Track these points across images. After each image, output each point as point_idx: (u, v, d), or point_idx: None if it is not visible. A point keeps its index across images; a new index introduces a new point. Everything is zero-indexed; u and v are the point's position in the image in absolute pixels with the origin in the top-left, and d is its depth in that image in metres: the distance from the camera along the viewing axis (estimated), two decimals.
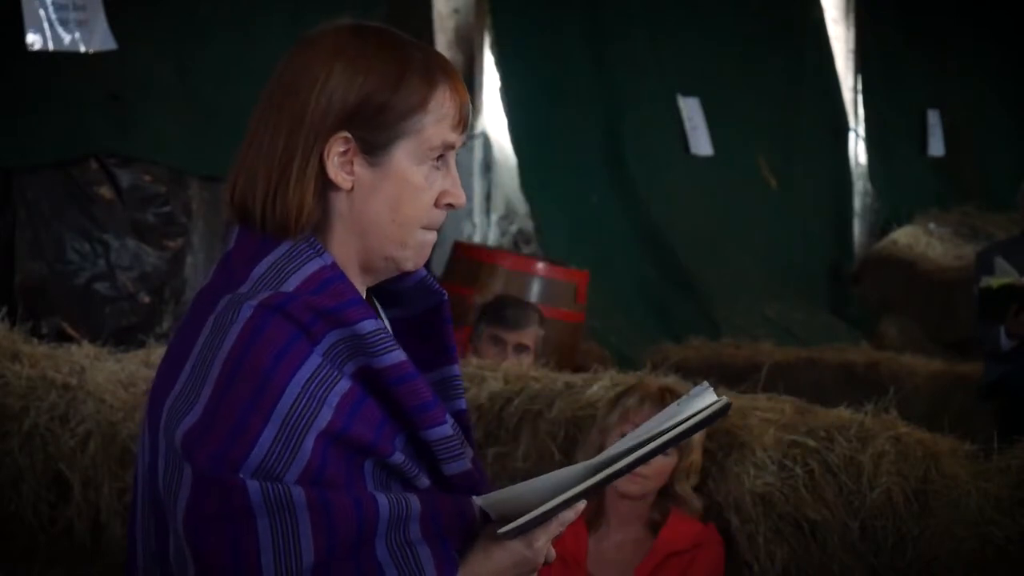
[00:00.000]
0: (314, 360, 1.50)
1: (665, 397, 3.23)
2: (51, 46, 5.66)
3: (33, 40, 5.64)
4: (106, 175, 6.29)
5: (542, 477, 1.59)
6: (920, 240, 10.76)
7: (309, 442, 1.48)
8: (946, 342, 9.23)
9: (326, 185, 1.58)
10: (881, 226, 11.27)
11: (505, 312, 4.75)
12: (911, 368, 7.13)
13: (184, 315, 1.61)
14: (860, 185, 11.45)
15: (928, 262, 10.37)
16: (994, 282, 5.24)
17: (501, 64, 8.63)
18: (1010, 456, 3.29)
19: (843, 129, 11.32)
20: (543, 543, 1.60)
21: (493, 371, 4.05)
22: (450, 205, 1.64)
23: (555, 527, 1.60)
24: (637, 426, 3.17)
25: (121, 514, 4.10)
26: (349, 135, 1.57)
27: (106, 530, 4.12)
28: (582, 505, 1.62)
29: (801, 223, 10.57)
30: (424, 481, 1.58)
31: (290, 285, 1.54)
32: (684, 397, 1.64)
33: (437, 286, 1.71)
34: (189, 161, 6.64)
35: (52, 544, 4.20)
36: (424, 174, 1.61)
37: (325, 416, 1.49)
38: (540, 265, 6.23)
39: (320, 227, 1.60)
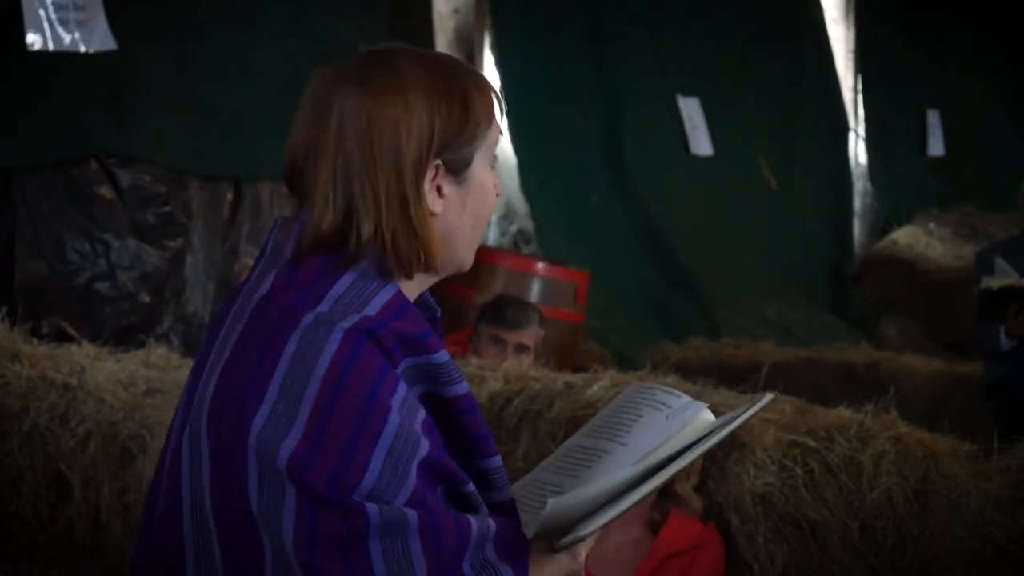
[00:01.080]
0: (402, 386, 1.56)
1: None
2: (51, 46, 5.66)
3: (33, 40, 5.64)
4: (106, 175, 6.29)
5: (601, 483, 1.62)
6: (920, 240, 10.75)
7: (413, 469, 1.54)
8: (946, 342, 9.23)
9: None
10: (881, 226, 11.27)
11: (505, 312, 4.75)
12: (911, 368, 7.13)
13: (240, 323, 1.62)
14: (860, 185, 11.45)
15: (928, 262, 10.37)
16: (994, 283, 5.24)
17: (501, 64, 8.63)
18: (1010, 456, 3.29)
19: (843, 129, 11.32)
20: (583, 556, 1.67)
21: (493, 371, 4.05)
22: (496, 195, 1.73)
23: (591, 540, 1.67)
24: None
25: (121, 514, 4.09)
26: (440, 162, 1.63)
27: (106, 530, 4.12)
28: (619, 512, 1.67)
29: (801, 223, 10.56)
30: (484, 509, 1.64)
31: (372, 309, 1.58)
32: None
33: (432, 301, 1.75)
34: (189, 161, 6.64)
35: (52, 544, 4.20)
36: (491, 174, 1.71)
37: (424, 444, 1.55)
38: (540, 265, 6.22)
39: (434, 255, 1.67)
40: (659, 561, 3.30)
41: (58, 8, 5.69)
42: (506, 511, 1.66)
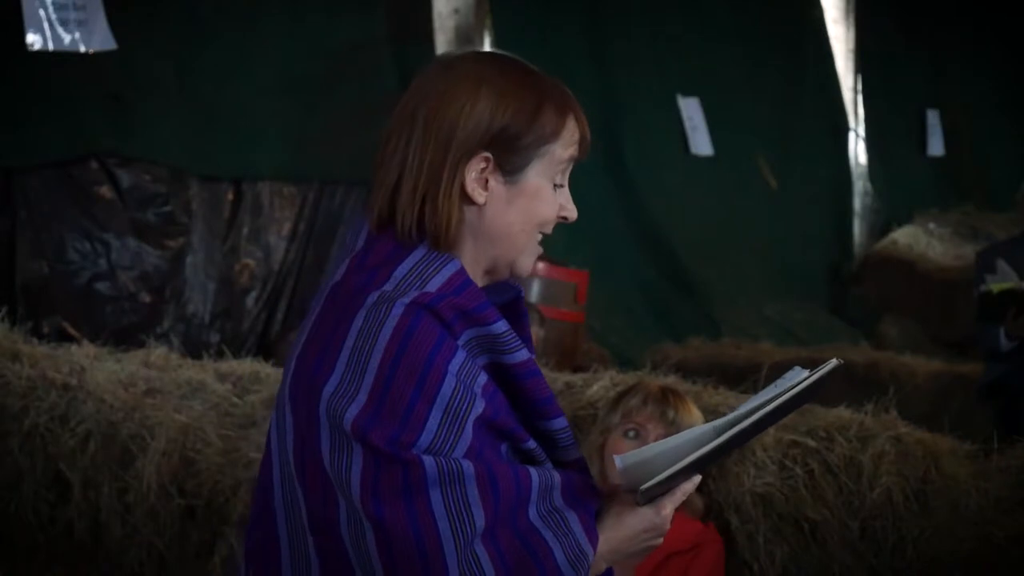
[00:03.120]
0: (461, 353, 1.69)
1: (667, 396, 3.23)
2: (51, 46, 5.66)
3: (33, 40, 5.64)
4: (106, 175, 6.29)
5: (670, 439, 1.73)
6: (920, 240, 10.76)
7: (469, 426, 1.67)
8: (946, 342, 9.23)
9: (461, 198, 1.77)
10: (881, 226, 11.27)
11: None
12: (911, 368, 7.13)
13: (317, 308, 1.78)
14: (860, 185, 11.45)
15: (928, 262, 10.37)
16: (994, 286, 5.24)
17: None
18: (1010, 456, 3.29)
19: (843, 129, 11.33)
20: (670, 511, 1.78)
21: None
22: (564, 218, 1.84)
23: (679, 496, 1.78)
24: (640, 426, 3.18)
25: (121, 514, 4.10)
26: (489, 155, 1.76)
27: (106, 530, 4.12)
28: (698, 478, 1.79)
29: (801, 223, 10.57)
30: (550, 466, 1.77)
31: (433, 286, 1.72)
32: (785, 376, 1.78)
33: (514, 282, 1.89)
34: (189, 161, 6.64)
35: (52, 544, 4.20)
36: (551, 189, 1.81)
37: (480, 403, 1.69)
38: (540, 265, 6.22)
39: (452, 235, 1.78)
40: (659, 560, 3.30)
41: (58, 8, 5.69)
42: (579, 469, 1.79)
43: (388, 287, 1.72)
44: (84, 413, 4.18)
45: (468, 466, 1.66)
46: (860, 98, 11.54)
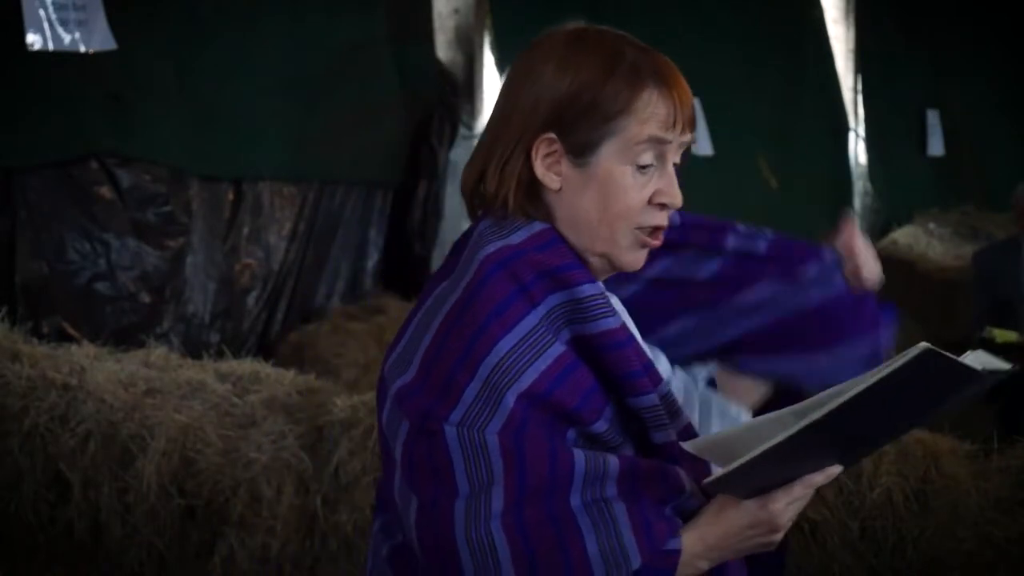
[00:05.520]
0: (530, 320, 1.55)
1: None
2: (51, 46, 5.66)
3: (33, 40, 5.64)
4: (106, 175, 6.29)
5: (747, 423, 1.57)
6: (920, 240, 10.76)
7: (510, 400, 1.53)
8: (946, 342, 9.17)
9: (538, 185, 1.63)
10: (881, 226, 11.27)
11: None
12: None
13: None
14: (860, 185, 11.45)
15: (928, 262, 10.36)
16: (998, 335, 5.22)
17: (501, 64, 8.62)
18: (1010, 456, 3.30)
19: (843, 129, 11.32)
20: (783, 506, 1.56)
21: None
22: (663, 205, 1.68)
23: (799, 489, 1.56)
24: None
25: (121, 514, 4.10)
26: (554, 136, 1.60)
27: (106, 530, 4.12)
28: (836, 470, 1.56)
29: (801, 223, 10.56)
30: (628, 451, 1.59)
31: (517, 238, 1.59)
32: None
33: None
34: (189, 161, 6.64)
35: (52, 544, 4.20)
36: (631, 173, 1.64)
37: (529, 377, 1.53)
38: None
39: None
40: None
41: (58, 8, 5.69)
42: (666, 454, 1.60)
43: (472, 239, 1.62)
44: (84, 413, 4.18)
45: (493, 440, 1.52)
46: (860, 98, 11.53)
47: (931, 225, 10.96)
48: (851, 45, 11.53)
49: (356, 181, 7.72)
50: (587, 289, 1.57)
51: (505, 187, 1.61)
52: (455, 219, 8.49)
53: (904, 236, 10.82)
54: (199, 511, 4.07)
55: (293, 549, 4.03)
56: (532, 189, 1.63)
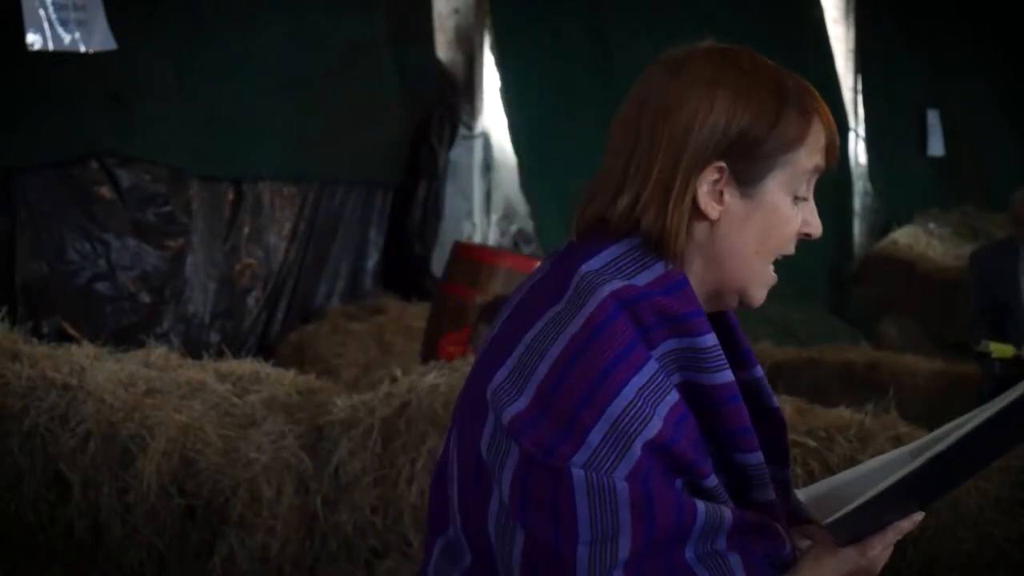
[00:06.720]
0: (651, 366, 1.50)
1: None
2: (51, 46, 5.66)
3: (33, 40, 5.64)
4: (106, 175, 6.30)
5: (859, 466, 1.56)
6: (920, 240, 10.76)
7: (637, 448, 1.48)
8: (946, 342, 9.22)
9: (692, 213, 1.58)
10: (881, 226, 11.27)
11: None
12: (911, 368, 7.13)
13: (509, 304, 1.64)
14: (860, 185, 11.45)
15: (928, 262, 10.37)
16: (994, 350, 5.23)
17: (501, 64, 8.63)
18: (1010, 456, 3.29)
19: (843, 129, 11.33)
20: (879, 552, 1.58)
21: None
22: (807, 235, 1.65)
23: (891, 535, 1.58)
24: None
25: (121, 514, 4.09)
26: (724, 165, 1.56)
27: (106, 530, 4.12)
28: (919, 516, 1.58)
29: None
30: (729, 504, 1.56)
31: (642, 280, 1.54)
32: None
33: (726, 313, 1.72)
34: (189, 161, 6.65)
35: (52, 544, 4.20)
36: (791, 204, 1.61)
37: (655, 425, 1.49)
38: (535, 264, 6.21)
39: (678, 254, 1.60)
40: None
41: (58, 8, 5.69)
42: (766, 511, 1.59)
43: (595, 265, 1.55)
44: (84, 413, 4.18)
45: (623, 487, 1.47)
46: (860, 98, 11.54)
47: (931, 225, 10.96)
48: (851, 45, 11.53)
49: (356, 181, 7.72)
50: (709, 340, 1.54)
51: (673, 220, 1.56)
52: (455, 219, 8.50)
53: (904, 236, 10.82)
54: (199, 511, 4.07)
55: (293, 549, 4.03)
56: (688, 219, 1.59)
